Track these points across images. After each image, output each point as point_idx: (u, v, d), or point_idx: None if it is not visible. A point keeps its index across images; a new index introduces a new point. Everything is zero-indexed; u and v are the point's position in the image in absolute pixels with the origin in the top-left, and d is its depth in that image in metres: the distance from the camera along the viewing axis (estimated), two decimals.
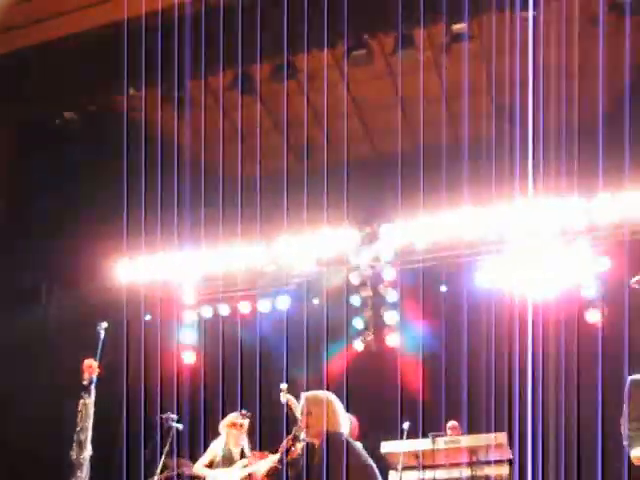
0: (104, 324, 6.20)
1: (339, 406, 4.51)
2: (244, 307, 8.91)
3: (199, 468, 6.77)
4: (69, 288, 8.57)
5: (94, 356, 5.95)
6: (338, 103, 7.60)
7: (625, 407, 5.21)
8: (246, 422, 6.79)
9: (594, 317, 7.55)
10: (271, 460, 6.50)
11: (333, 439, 4.29)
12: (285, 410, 6.48)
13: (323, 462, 4.19)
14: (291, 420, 6.45)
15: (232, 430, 6.70)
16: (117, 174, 6.89)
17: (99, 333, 6.14)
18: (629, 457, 4.43)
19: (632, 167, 6.83)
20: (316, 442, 4.38)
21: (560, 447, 6.62)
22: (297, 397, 5.01)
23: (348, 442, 4.31)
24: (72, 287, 8.54)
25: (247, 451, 6.78)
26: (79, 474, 5.54)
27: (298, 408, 6.21)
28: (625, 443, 4.55)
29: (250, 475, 6.50)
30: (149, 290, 8.57)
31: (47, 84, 7.44)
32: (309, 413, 4.42)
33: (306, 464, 4.37)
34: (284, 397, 6.46)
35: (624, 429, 4.90)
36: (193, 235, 8.38)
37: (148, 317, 8.51)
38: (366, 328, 8.57)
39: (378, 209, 8.71)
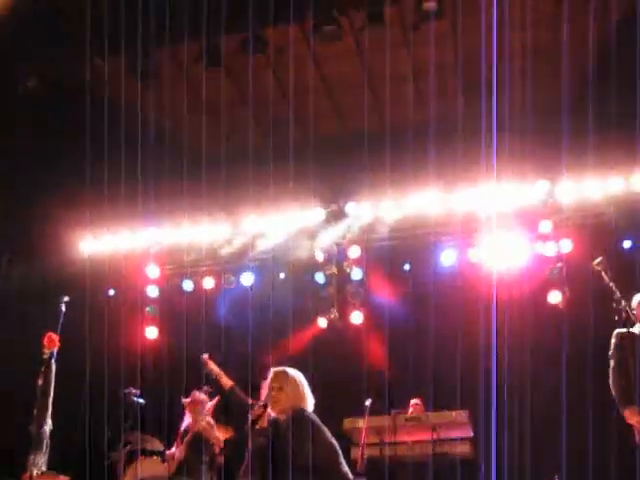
0: (66, 298, 6.16)
1: (305, 383, 4.55)
2: (208, 283, 8.86)
3: None
4: (32, 260, 8.43)
5: (55, 330, 5.90)
6: (306, 79, 7.54)
7: (612, 363, 5.33)
8: (207, 398, 6.78)
9: (556, 298, 7.66)
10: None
11: (299, 415, 4.33)
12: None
13: (288, 438, 4.21)
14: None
15: (195, 407, 6.68)
16: (80, 146, 6.77)
17: (61, 307, 6.09)
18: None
19: (595, 150, 6.92)
20: (282, 417, 4.41)
21: (523, 426, 6.72)
22: (262, 374, 4.99)
23: (313, 419, 4.35)
24: (35, 259, 8.40)
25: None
26: (39, 448, 5.51)
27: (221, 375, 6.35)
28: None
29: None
30: (112, 264, 8.48)
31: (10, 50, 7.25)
32: (278, 388, 4.44)
33: (271, 439, 4.37)
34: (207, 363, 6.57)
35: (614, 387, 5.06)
36: (157, 209, 8.30)
37: (112, 291, 8.44)
38: (330, 305, 8.59)
39: (344, 187, 8.70)
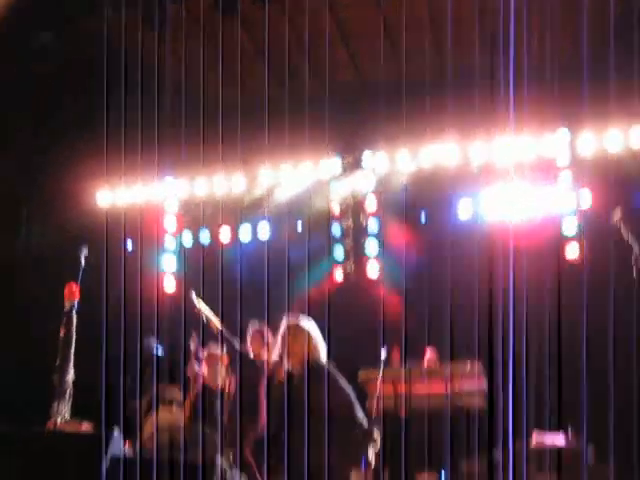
0: (85, 249, 6.20)
1: (319, 335, 4.60)
2: (225, 235, 8.88)
3: None
4: (50, 212, 8.48)
5: (75, 282, 5.97)
6: (322, 27, 7.42)
7: None
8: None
9: (573, 253, 7.62)
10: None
11: (314, 366, 4.39)
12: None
13: (303, 389, 4.29)
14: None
15: (212, 362, 6.70)
16: (96, 97, 6.74)
17: (80, 259, 6.14)
18: None
19: (617, 100, 6.79)
20: (297, 370, 4.47)
21: (542, 380, 6.76)
22: (277, 327, 5.05)
23: (328, 370, 4.41)
24: (53, 211, 8.45)
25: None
26: (62, 397, 5.63)
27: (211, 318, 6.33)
28: None
29: None
30: (130, 216, 8.51)
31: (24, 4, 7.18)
32: (292, 341, 4.49)
33: (287, 391, 4.45)
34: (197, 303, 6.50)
35: None
36: (173, 161, 8.29)
37: (129, 243, 8.47)
38: (347, 258, 8.61)
39: (360, 137, 8.63)
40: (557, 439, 5.89)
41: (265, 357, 6.09)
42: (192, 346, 6.73)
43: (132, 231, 8.13)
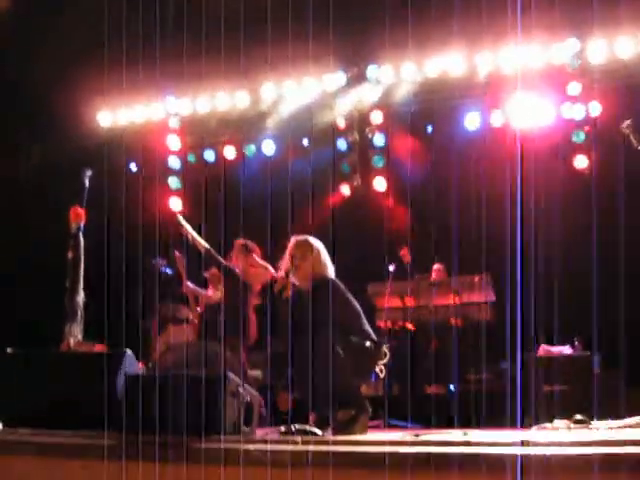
0: (89, 171, 6.14)
1: (325, 251, 4.61)
2: (229, 152, 8.80)
3: None
4: (52, 134, 8.38)
5: (81, 204, 5.95)
6: None
7: None
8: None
9: (582, 163, 7.53)
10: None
11: (321, 282, 4.41)
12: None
13: (311, 304, 4.31)
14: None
15: (215, 279, 6.68)
16: (97, 15, 6.56)
17: (84, 180, 6.10)
18: None
19: (629, 7, 6.57)
20: (305, 286, 4.48)
21: (551, 289, 6.78)
22: (284, 244, 5.03)
23: (335, 284, 4.42)
24: (56, 133, 8.35)
25: None
26: (73, 319, 5.69)
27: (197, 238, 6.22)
28: None
29: None
30: (132, 136, 8.42)
31: None
32: (300, 257, 4.50)
33: (294, 307, 4.47)
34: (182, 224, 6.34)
35: None
36: (175, 78, 8.12)
37: (133, 164, 8.42)
38: (353, 172, 8.54)
39: (365, 49, 8.41)
40: (564, 349, 5.95)
41: (251, 271, 6.06)
42: (180, 266, 6.68)
43: (135, 152, 8.08)
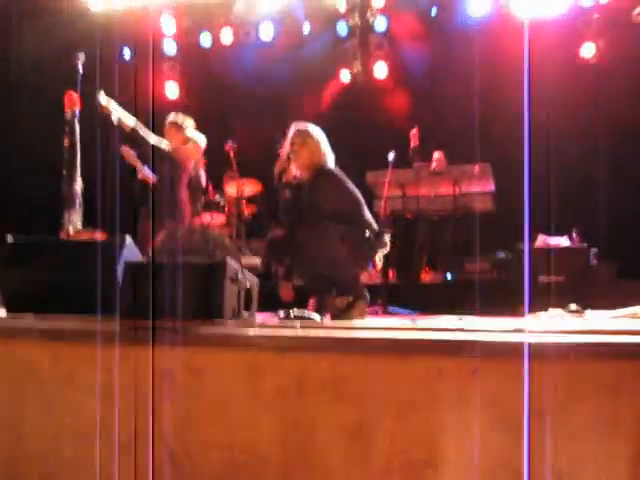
0: (81, 55, 5.96)
1: (325, 140, 4.55)
2: (226, 37, 8.54)
3: None
4: (42, 19, 8.10)
5: (74, 89, 5.81)
6: None
7: None
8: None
9: (589, 52, 7.31)
10: None
11: (322, 172, 4.38)
12: None
13: (312, 193, 4.30)
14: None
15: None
16: None
17: (77, 65, 5.93)
18: None
19: None
20: (305, 175, 4.45)
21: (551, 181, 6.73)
22: (284, 131, 4.94)
23: (335, 173, 4.38)
24: (45, 17, 8.07)
25: None
26: (72, 206, 5.68)
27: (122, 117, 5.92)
28: None
29: None
30: (126, 19, 8.13)
31: None
32: (300, 143, 4.44)
33: (295, 195, 4.45)
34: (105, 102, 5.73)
35: None
36: None
37: (127, 49, 8.18)
38: (353, 58, 8.32)
39: None
40: (561, 241, 5.98)
41: (182, 149, 5.92)
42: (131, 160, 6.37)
43: (129, 36, 7.82)
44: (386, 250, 4.46)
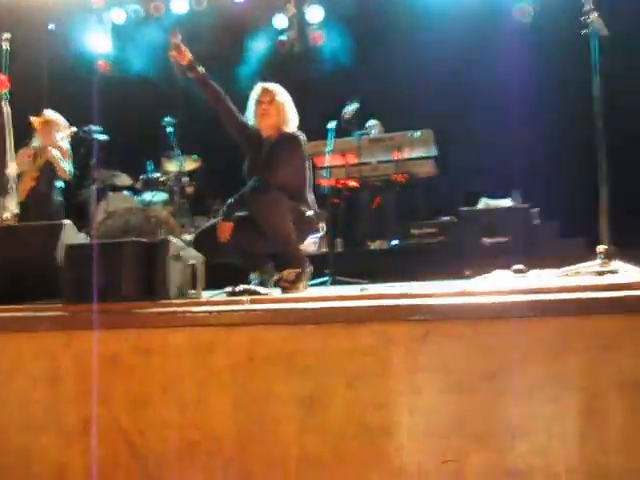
0: (7, 35, 5.75)
1: (292, 103, 4.42)
2: (157, 8, 8.34)
3: None
4: None
5: (2, 70, 5.61)
6: None
7: None
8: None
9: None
10: None
11: (290, 138, 4.28)
12: None
13: (269, 156, 4.21)
14: None
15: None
16: None
17: (2, 45, 5.72)
18: None
19: None
20: (269, 134, 4.35)
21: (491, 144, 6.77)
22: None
23: (303, 144, 4.30)
24: None
25: None
26: (6, 192, 5.51)
27: None
28: None
29: None
30: None
31: None
32: (268, 102, 4.32)
33: (257, 155, 4.35)
34: None
35: None
36: None
37: (51, 25, 7.89)
38: (290, 28, 8.23)
39: None
40: (504, 202, 6.05)
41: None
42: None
43: (55, 11, 7.55)
44: (320, 234, 4.44)
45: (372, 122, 7.30)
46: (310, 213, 4.27)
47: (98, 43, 8.47)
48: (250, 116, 4.41)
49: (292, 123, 4.38)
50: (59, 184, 6.15)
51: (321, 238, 4.81)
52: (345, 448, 2.51)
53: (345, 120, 6.41)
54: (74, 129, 6.25)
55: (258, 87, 4.41)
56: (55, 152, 6.07)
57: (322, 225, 4.45)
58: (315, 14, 8.14)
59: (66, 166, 6.14)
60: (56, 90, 6.64)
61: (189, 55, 4.30)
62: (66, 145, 6.21)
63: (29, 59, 5.98)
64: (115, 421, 2.75)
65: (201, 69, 4.34)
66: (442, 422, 2.43)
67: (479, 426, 2.40)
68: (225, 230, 4.08)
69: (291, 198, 4.14)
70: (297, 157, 4.27)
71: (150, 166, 7.50)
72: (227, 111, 4.41)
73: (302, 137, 4.30)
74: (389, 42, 7.48)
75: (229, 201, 4.13)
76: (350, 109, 6.36)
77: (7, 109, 5.53)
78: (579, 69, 3.97)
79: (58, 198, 6.15)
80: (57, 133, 6.12)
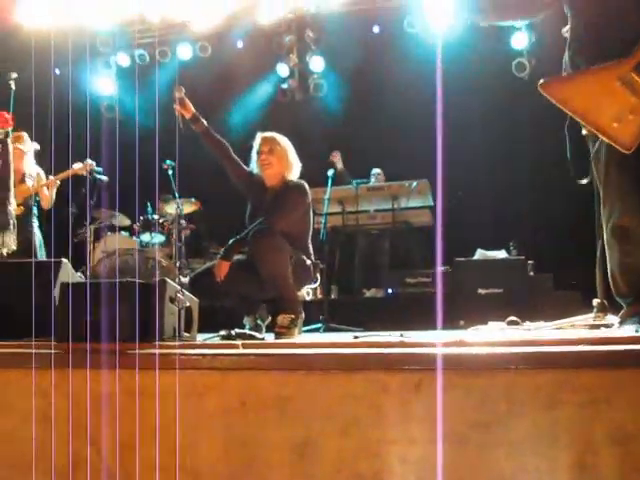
0: (13, 74, 5.84)
1: (294, 150, 4.46)
2: (162, 54, 8.49)
3: None
4: None
5: (7, 109, 5.68)
6: None
7: None
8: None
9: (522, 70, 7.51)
10: None
11: (295, 186, 4.33)
12: None
13: (273, 204, 4.24)
14: None
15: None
16: None
17: (9, 84, 5.81)
18: None
19: None
20: (274, 184, 4.38)
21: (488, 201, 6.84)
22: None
23: (308, 192, 4.35)
24: None
25: None
26: (5, 229, 5.52)
27: None
28: None
29: None
30: (59, 37, 7.99)
31: None
32: (268, 151, 4.36)
33: (257, 201, 4.38)
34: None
35: None
36: None
37: (57, 71, 8.00)
38: (291, 75, 8.36)
39: None
40: (499, 253, 6.09)
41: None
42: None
43: (62, 54, 7.66)
44: (315, 285, 4.47)
45: (376, 170, 7.40)
46: (309, 263, 4.30)
47: (103, 86, 8.60)
48: (253, 166, 4.47)
49: (295, 169, 4.42)
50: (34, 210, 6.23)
51: (315, 287, 4.84)
52: None
53: (338, 173, 6.55)
54: (92, 162, 6.34)
55: (258, 137, 4.47)
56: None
57: (317, 276, 4.47)
58: (316, 64, 8.28)
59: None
60: (59, 130, 6.69)
61: (192, 109, 4.37)
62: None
63: (34, 99, 6.03)
64: (104, 462, 2.72)
65: (204, 122, 4.40)
66: (433, 472, 2.42)
67: (470, 477, 2.39)
68: (222, 269, 4.09)
69: (292, 245, 4.17)
70: (302, 205, 4.32)
71: (149, 208, 7.55)
72: (230, 161, 4.47)
73: (304, 186, 4.35)
74: (389, 91, 7.59)
75: (230, 241, 4.15)
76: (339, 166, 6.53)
77: (10, 147, 5.60)
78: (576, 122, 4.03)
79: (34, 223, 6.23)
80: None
